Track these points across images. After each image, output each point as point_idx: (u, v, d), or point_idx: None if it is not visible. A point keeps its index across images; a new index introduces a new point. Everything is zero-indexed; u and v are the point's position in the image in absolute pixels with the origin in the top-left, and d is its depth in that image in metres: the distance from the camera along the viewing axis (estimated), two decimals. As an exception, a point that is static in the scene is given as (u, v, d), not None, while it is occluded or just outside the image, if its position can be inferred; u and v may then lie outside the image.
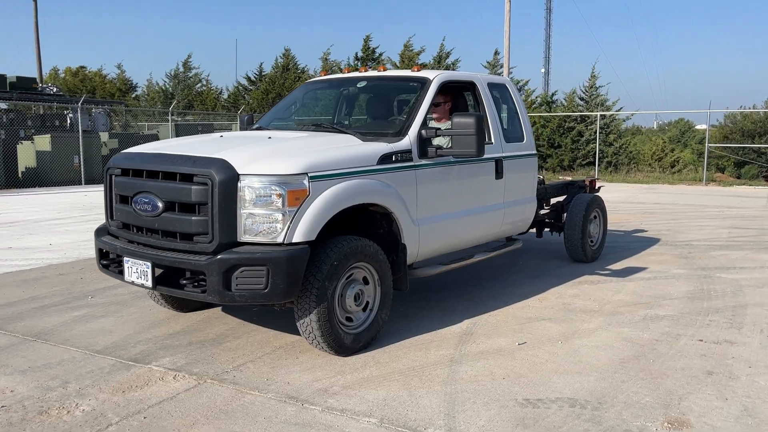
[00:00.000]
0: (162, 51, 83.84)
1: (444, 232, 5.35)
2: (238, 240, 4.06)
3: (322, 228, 4.19)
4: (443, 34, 55.87)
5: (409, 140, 4.96)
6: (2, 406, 3.64)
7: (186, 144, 4.81)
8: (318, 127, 5.54)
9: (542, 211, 7.67)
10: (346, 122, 6.10)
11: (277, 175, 4.06)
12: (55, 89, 29.26)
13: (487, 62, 30.93)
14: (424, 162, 5.02)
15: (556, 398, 3.80)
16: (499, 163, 5.94)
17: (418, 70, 5.72)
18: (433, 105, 5.62)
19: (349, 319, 4.53)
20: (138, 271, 4.36)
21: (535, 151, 6.64)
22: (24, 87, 27.44)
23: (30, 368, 4.23)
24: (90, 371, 4.18)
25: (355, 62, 32.49)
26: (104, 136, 23.06)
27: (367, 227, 4.87)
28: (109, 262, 4.73)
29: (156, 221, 4.29)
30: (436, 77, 5.53)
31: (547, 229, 7.91)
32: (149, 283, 4.29)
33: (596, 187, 8.63)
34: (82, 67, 41.05)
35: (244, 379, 4.07)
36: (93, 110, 29.20)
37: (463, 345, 4.74)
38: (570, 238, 7.46)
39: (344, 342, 4.42)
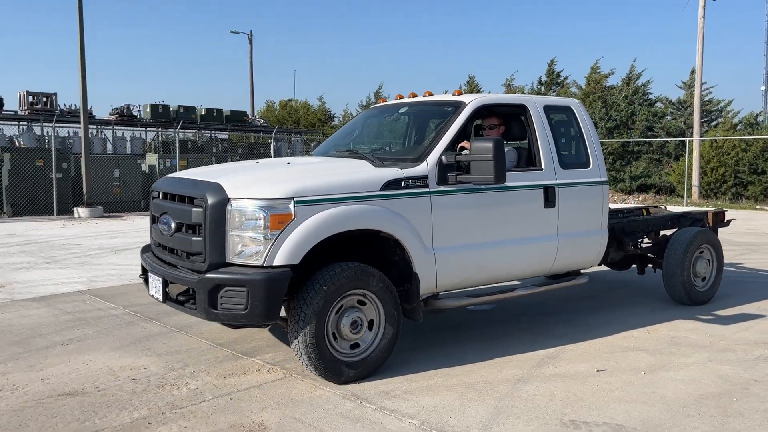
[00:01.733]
0: (361, 80, 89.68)
1: (471, 263, 5.07)
2: (226, 261, 4.24)
3: (317, 252, 4.32)
4: (635, 54, 52.49)
5: (426, 166, 4.83)
6: (133, 378, 4.58)
7: (213, 170, 5.13)
8: (351, 153, 5.58)
9: (644, 245, 7.15)
10: (383, 148, 6.09)
11: (262, 198, 4.21)
12: (261, 121, 32.96)
13: (683, 82, 28.96)
14: (442, 188, 4.84)
15: (603, 423, 3.81)
16: (549, 190, 5.49)
17: (459, 95, 5.58)
18: (487, 128, 5.75)
19: (353, 346, 4.53)
20: (155, 285, 4.74)
21: (603, 178, 5.99)
22: (237, 119, 31.31)
23: (165, 352, 5.19)
24: (207, 358, 5.03)
25: (539, 87, 32.25)
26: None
27: (380, 255, 4.79)
28: (145, 276, 5.12)
29: (170, 240, 4.65)
30: (472, 101, 5.34)
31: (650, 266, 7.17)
32: (160, 297, 4.68)
33: (724, 220, 7.75)
34: (291, 99, 45.74)
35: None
36: (292, 139, 32.34)
37: (540, 367, 4.84)
38: (668, 277, 6.68)
39: (337, 369, 4.39)
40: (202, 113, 30.80)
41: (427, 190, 4.79)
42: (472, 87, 34.99)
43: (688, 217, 7.55)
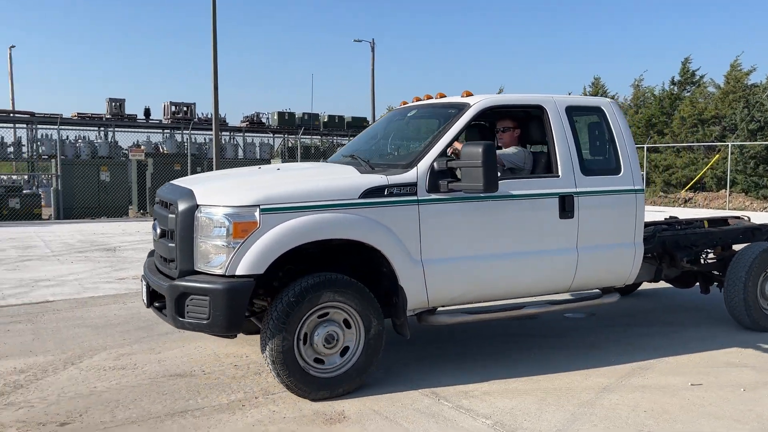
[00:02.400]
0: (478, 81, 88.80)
1: (467, 277, 4.69)
2: (194, 268, 4.15)
3: (305, 261, 4.29)
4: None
5: (416, 172, 4.52)
6: (235, 365, 5.01)
7: (205, 176, 5.27)
8: (350, 158, 5.25)
9: (709, 260, 6.57)
10: (392, 153, 5.70)
11: (227, 206, 4.10)
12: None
13: (839, 78, 26.15)
14: (433, 197, 4.52)
15: (684, 437, 3.69)
16: (567, 199, 4.98)
17: (467, 96, 5.16)
18: (501, 131, 5.45)
19: (320, 361, 4.27)
20: (143, 289, 4.75)
21: (636, 186, 5.32)
22: (357, 125, 32.33)
23: (266, 343, 5.61)
24: (302, 351, 5.37)
25: (671, 87, 30.45)
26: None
27: (369, 267, 4.56)
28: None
29: (157, 245, 4.74)
30: (477, 103, 4.94)
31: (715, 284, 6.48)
32: (146, 301, 4.69)
33: None
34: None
35: (405, 373, 4.80)
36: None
37: (629, 378, 4.72)
38: (729, 296, 5.94)
39: (309, 384, 4.20)
40: (325, 120, 32.14)
41: (414, 198, 4.48)
42: (598, 88, 33.68)
43: (764, 230, 6.64)
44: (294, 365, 4.15)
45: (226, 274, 4.05)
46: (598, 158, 5.49)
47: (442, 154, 4.67)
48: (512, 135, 5.46)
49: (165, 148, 26.79)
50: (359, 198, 4.32)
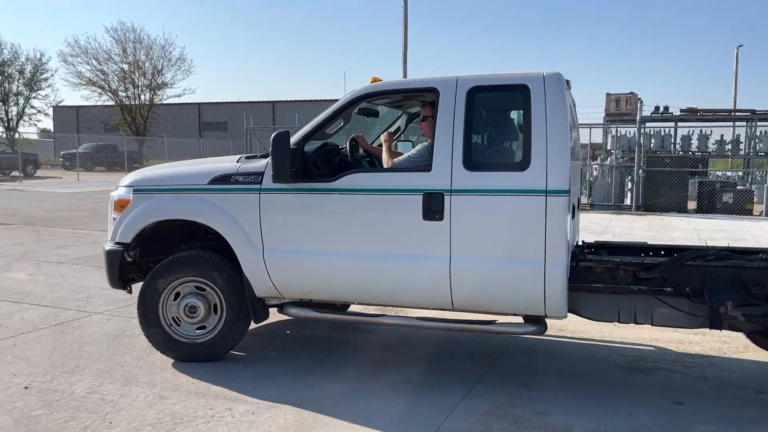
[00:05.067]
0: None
1: (313, 272, 4.48)
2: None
3: (146, 234, 4.86)
4: None
5: (266, 162, 4.52)
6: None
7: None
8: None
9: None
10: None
11: (119, 187, 5.03)
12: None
13: None
14: (276, 186, 4.41)
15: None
16: (433, 197, 4.19)
17: (373, 82, 4.73)
18: (421, 120, 4.81)
19: (198, 329, 4.76)
20: None
21: (551, 186, 4.04)
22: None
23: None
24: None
25: None
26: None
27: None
28: None
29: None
30: (354, 91, 4.61)
31: None
32: None
33: None
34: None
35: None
36: None
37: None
38: None
39: (171, 346, 4.76)
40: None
41: (258, 186, 4.51)
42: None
43: None
44: (156, 326, 4.79)
45: (110, 240, 4.99)
46: (498, 150, 4.65)
47: (299, 143, 4.47)
48: (429, 124, 4.58)
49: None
50: (207, 184, 4.67)
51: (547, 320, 4.33)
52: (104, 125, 46.90)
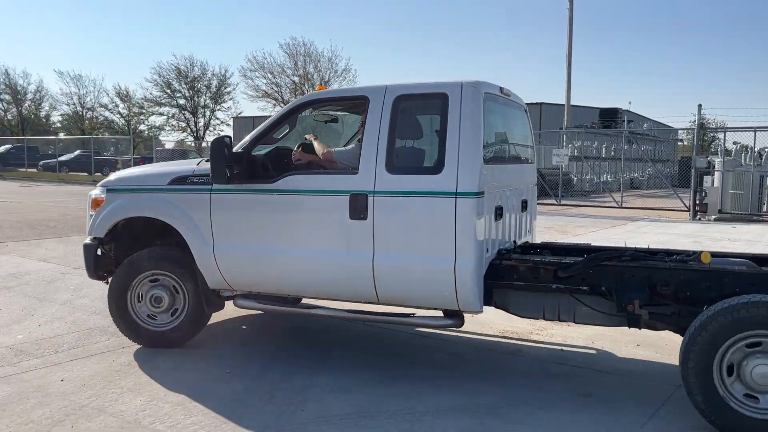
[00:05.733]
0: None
1: (252, 266, 4.99)
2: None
3: (119, 229, 5.40)
4: None
5: None
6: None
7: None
8: None
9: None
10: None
11: (98, 186, 5.58)
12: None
13: None
14: (224, 187, 4.91)
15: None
16: (359, 198, 4.57)
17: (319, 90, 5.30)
18: (360, 125, 4.90)
19: (152, 317, 5.33)
20: None
21: (461, 189, 4.39)
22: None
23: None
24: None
25: None
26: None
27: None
28: None
29: None
30: (301, 98, 5.36)
31: None
32: None
33: None
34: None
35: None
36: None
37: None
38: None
39: (140, 334, 5.33)
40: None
41: (209, 187, 5.03)
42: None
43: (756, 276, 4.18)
44: (126, 314, 5.32)
45: (88, 234, 5.53)
46: (418, 154, 4.89)
47: (246, 147, 4.99)
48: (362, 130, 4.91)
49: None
50: (167, 185, 5.21)
51: (464, 314, 4.70)
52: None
